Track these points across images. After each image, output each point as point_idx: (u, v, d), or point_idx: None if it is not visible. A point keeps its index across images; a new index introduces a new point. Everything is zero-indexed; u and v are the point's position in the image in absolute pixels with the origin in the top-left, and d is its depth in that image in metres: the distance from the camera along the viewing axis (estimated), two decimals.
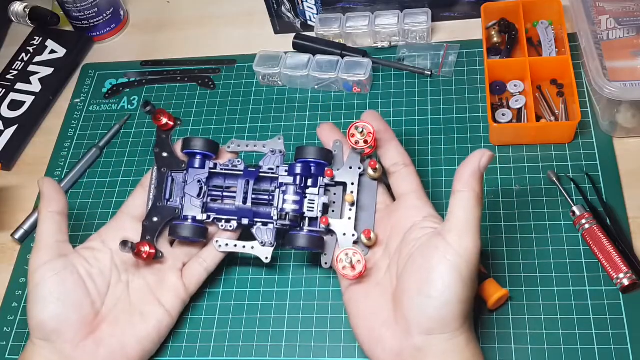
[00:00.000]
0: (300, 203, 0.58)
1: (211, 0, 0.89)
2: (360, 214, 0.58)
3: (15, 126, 0.79)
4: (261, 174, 0.60)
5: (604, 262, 0.57)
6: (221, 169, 0.61)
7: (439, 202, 0.64)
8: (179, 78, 0.80)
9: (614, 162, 0.64)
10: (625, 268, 0.56)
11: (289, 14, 0.80)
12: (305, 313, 0.60)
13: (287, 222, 0.58)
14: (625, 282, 0.56)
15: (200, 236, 0.59)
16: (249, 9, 0.85)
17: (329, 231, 0.58)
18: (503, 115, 0.67)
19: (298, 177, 0.58)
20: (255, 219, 0.60)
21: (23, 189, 0.75)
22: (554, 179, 0.63)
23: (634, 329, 0.55)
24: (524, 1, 0.72)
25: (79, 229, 0.70)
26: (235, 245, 0.60)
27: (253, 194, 0.59)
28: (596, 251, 0.58)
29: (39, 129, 0.81)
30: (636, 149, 0.65)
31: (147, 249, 0.57)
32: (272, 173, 0.60)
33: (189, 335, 0.61)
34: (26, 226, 0.71)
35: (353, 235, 0.57)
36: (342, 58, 0.74)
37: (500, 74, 0.70)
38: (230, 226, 0.60)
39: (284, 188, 0.59)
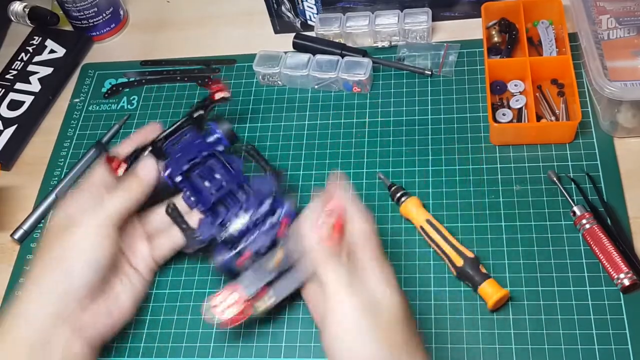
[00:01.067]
0: (243, 231, 0.59)
1: (211, 0, 0.89)
2: (280, 281, 0.58)
3: (15, 126, 0.79)
4: (245, 186, 0.61)
5: (604, 262, 0.57)
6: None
7: (439, 202, 0.64)
8: (178, 78, 0.80)
9: (615, 162, 0.64)
10: (625, 268, 0.56)
11: (288, 14, 0.80)
12: (305, 313, 0.60)
13: (227, 236, 0.59)
14: (626, 282, 0.56)
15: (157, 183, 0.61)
16: (249, 8, 0.85)
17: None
18: (503, 115, 0.67)
19: (260, 209, 0.59)
20: (208, 208, 0.61)
21: (23, 189, 0.75)
22: (555, 179, 0.63)
23: (635, 329, 0.55)
24: (524, 1, 0.72)
25: None
26: (180, 218, 0.61)
27: (227, 194, 0.61)
28: (597, 251, 0.58)
29: (38, 129, 0.81)
30: (637, 148, 0.65)
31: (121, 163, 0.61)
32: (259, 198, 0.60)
33: (189, 336, 0.61)
34: (26, 226, 0.71)
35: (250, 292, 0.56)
36: (342, 58, 0.74)
37: (500, 74, 0.69)
38: (188, 197, 0.61)
39: (244, 207, 0.59)
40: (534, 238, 0.61)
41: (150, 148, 0.62)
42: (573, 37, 0.71)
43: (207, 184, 0.62)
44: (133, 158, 0.62)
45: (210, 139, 0.63)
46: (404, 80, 0.74)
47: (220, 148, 0.63)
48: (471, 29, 0.77)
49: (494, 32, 0.73)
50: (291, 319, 0.60)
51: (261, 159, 0.64)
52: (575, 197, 0.62)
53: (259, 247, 0.58)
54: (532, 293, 0.58)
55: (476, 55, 0.74)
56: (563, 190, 0.62)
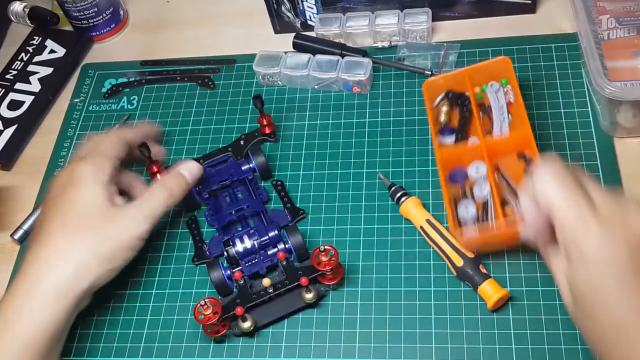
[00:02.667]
0: (248, 251, 0.62)
1: (211, 0, 0.89)
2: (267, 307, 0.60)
3: (15, 126, 0.79)
4: (261, 214, 0.66)
5: None
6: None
7: (439, 202, 0.64)
8: (178, 78, 0.80)
9: (615, 162, 0.64)
10: None
11: (288, 14, 0.80)
12: (305, 313, 0.60)
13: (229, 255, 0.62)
14: None
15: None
16: (249, 8, 0.85)
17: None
18: (466, 208, 0.59)
19: (264, 237, 0.62)
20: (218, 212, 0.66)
21: (23, 189, 0.75)
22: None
23: None
24: (469, 68, 0.66)
25: None
26: (197, 231, 0.67)
27: (242, 217, 0.66)
28: None
29: (38, 129, 0.81)
30: (637, 149, 0.65)
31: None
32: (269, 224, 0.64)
33: (189, 336, 0.61)
34: (26, 226, 0.71)
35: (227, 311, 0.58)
36: (342, 58, 0.74)
37: (457, 160, 0.63)
38: (209, 214, 0.67)
39: (252, 231, 0.63)
40: None
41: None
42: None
43: (228, 204, 0.66)
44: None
45: (245, 167, 0.68)
46: (404, 81, 0.74)
47: (251, 176, 0.67)
48: (471, 29, 0.77)
49: (444, 109, 0.66)
50: (291, 318, 0.60)
51: (285, 195, 0.67)
52: None
53: (256, 271, 0.61)
54: (532, 293, 0.58)
55: (476, 55, 0.74)
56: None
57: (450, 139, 0.65)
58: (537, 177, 0.47)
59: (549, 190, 0.46)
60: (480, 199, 0.60)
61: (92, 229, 0.56)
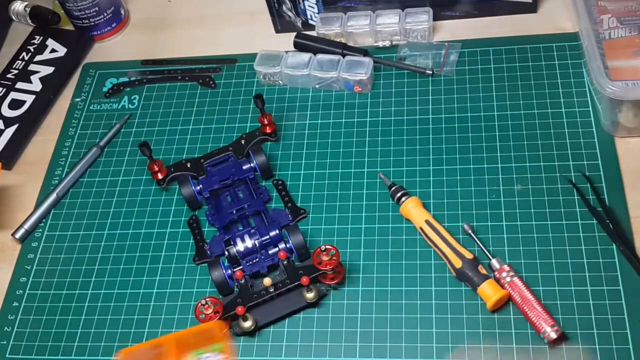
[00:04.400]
0: (249, 251, 0.62)
1: None
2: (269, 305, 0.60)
3: (16, 125, 0.79)
4: (262, 214, 0.66)
5: (529, 315, 0.55)
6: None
7: (440, 201, 0.64)
8: (179, 77, 0.80)
9: (616, 162, 0.64)
10: (551, 321, 0.54)
11: (289, 13, 0.80)
12: (306, 313, 0.60)
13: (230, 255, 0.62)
14: (553, 335, 0.54)
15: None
16: (250, 8, 0.85)
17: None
18: None
19: (265, 237, 0.62)
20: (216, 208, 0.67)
21: (23, 189, 0.75)
22: (470, 232, 0.61)
23: (635, 328, 0.55)
24: (177, 336, 0.55)
25: (79, 228, 0.70)
26: (198, 230, 0.67)
27: (243, 216, 0.66)
28: (520, 303, 0.56)
29: (39, 129, 0.81)
30: (638, 148, 0.65)
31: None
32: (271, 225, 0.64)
33: None
34: (27, 226, 0.71)
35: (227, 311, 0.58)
36: (343, 57, 0.74)
37: None
38: (211, 213, 0.66)
39: (253, 230, 0.63)
40: (534, 238, 0.61)
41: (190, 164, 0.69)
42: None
43: (229, 204, 0.67)
44: (173, 169, 0.68)
45: (246, 166, 0.68)
46: (405, 80, 0.74)
47: (252, 176, 0.68)
48: (472, 28, 0.77)
49: None
50: (293, 318, 0.60)
51: (287, 194, 0.68)
52: (576, 198, 0.62)
53: (257, 270, 0.61)
54: (534, 293, 0.58)
55: (477, 54, 0.74)
56: (478, 242, 0.60)
57: None
58: None
59: None
60: None
61: None
